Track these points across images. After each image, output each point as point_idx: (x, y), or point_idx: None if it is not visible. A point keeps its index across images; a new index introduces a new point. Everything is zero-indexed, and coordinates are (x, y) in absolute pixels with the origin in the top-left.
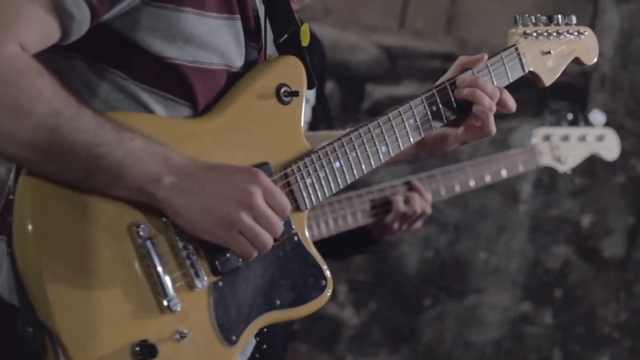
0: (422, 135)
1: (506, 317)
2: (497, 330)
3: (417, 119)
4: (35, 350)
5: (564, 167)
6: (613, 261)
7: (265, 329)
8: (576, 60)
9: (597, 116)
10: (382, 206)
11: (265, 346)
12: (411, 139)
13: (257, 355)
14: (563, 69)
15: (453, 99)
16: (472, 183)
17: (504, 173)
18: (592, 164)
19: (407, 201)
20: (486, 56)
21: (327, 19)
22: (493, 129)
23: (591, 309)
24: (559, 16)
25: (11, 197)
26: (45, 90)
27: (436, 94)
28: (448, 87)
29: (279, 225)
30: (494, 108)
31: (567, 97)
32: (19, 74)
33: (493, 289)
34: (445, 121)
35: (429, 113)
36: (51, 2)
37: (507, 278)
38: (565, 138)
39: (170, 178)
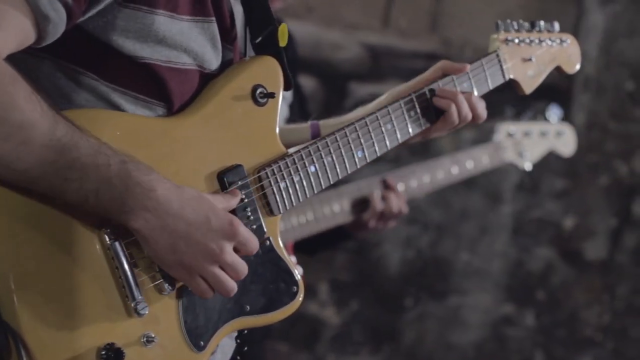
0: (400, 141)
1: (488, 318)
2: (479, 332)
3: (395, 124)
4: None
5: (525, 163)
6: (596, 263)
7: (245, 331)
8: (557, 69)
9: (555, 112)
10: (360, 204)
11: (246, 348)
12: (388, 145)
13: (238, 358)
14: (544, 77)
15: (432, 106)
16: (440, 176)
17: (469, 166)
18: (575, 165)
19: (384, 199)
20: (468, 66)
21: (309, 16)
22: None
23: (573, 311)
24: (542, 22)
25: None
26: (19, 98)
27: (415, 100)
28: (427, 93)
29: (244, 270)
30: (464, 122)
31: (550, 98)
32: None
33: (475, 290)
34: (423, 127)
35: (406, 118)
36: (27, 4)
37: (489, 279)
38: (527, 134)
39: (145, 214)
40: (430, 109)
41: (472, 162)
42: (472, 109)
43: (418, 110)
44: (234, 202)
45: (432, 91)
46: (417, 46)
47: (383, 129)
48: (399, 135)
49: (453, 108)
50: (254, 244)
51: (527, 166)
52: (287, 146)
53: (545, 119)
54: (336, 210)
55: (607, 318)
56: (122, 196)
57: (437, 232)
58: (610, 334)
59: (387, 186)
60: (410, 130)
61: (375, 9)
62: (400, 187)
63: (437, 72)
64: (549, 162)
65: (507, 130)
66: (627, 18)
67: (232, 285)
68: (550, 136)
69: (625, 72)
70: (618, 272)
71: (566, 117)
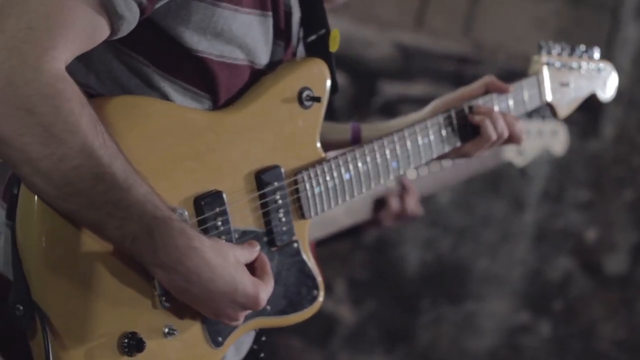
0: (434, 156)
1: (503, 326)
2: (493, 339)
3: (431, 139)
4: (21, 330)
5: (522, 162)
6: (615, 277)
7: (264, 338)
8: (593, 96)
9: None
10: (376, 203)
11: (264, 338)
12: (423, 159)
13: (255, 347)
14: (580, 103)
15: (469, 124)
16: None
17: (474, 166)
18: (601, 177)
19: (400, 200)
20: (512, 88)
21: (344, 11)
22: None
23: (590, 324)
24: (583, 47)
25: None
26: (83, 123)
27: (453, 116)
28: (466, 110)
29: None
30: (501, 139)
31: (580, 108)
32: (60, 95)
33: (492, 297)
34: (459, 144)
35: (443, 134)
36: (102, 5)
37: (507, 287)
38: (527, 133)
39: (173, 275)
40: (468, 127)
41: (477, 161)
42: (509, 127)
43: (455, 127)
44: (254, 254)
45: (471, 108)
46: (449, 48)
47: (420, 142)
48: (434, 150)
49: (487, 123)
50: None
51: (523, 164)
52: (325, 143)
53: (542, 117)
54: (356, 210)
55: (623, 333)
56: (157, 251)
57: (458, 236)
58: (626, 349)
59: (403, 187)
60: (445, 146)
61: (409, 8)
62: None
63: (481, 88)
64: (575, 172)
65: None
66: None
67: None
68: (546, 135)
69: None
70: (637, 287)
71: (595, 129)
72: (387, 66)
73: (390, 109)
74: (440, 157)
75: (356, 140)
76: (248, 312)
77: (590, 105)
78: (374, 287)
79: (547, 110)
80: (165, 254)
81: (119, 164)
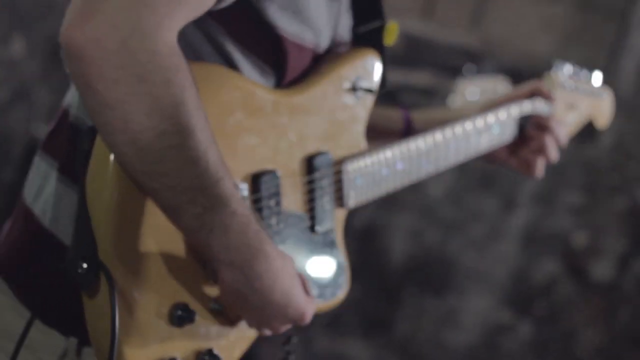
0: (480, 154)
1: (484, 323)
2: (473, 336)
3: (482, 137)
4: (80, 286)
5: None
6: (600, 284)
7: (295, 340)
8: (591, 122)
9: (490, 69)
10: None
11: (295, 340)
12: (456, 159)
13: (287, 348)
14: (579, 128)
15: (518, 129)
16: None
17: None
18: (595, 183)
19: None
20: (554, 100)
21: None
22: (539, 170)
23: (571, 329)
24: (591, 73)
25: (72, 120)
26: (191, 103)
27: (514, 117)
28: (520, 116)
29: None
30: (552, 153)
31: None
32: (173, 69)
33: (475, 294)
34: (503, 144)
35: (494, 134)
36: None
37: (491, 284)
38: (481, 93)
39: (237, 274)
40: (516, 131)
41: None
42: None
43: (511, 129)
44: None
45: (527, 117)
46: (456, 40)
47: (472, 139)
48: (480, 151)
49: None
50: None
51: None
52: (377, 130)
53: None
54: None
55: (604, 341)
56: (229, 249)
57: (446, 230)
58: (604, 357)
59: None
60: (490, 145)
61: None
62: None
63: (527, 92)
64: (569, 176)
65: (466, 90)
66: None
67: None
68: (498, 92)
69: None
70: (622, 297)
71: (593, 135)
72: (390, 53)
73: (392, 97)
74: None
75: (408, 131)
76: (290, 326)
77: None
78: (358, 275)
79: (491, 65)
80: (238, 254)
81: (214, 152)
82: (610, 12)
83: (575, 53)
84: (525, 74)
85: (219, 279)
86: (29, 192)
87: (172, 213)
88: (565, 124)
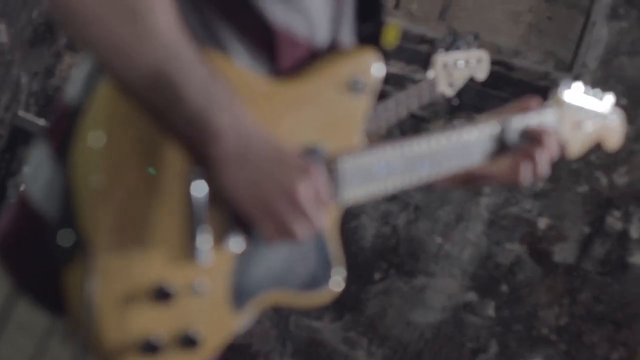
0: (462, 167)
1: (450, 303)
2: (439, 315)
3: (467, 149)
4: (59, 259)
5: (452, 92)
6: (562, 266)
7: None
8: (600, 143)
9: (470, 37)
10: None
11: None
12: (454, 167)
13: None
14: (587, 148)
15: (510, 144)
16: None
17: (413, 105)
18: (558, 169)
19: None
20: (532, 109)
21: None
22: (525, 177)
23: (533, 308)
24: (598, 90)
25: (68, 102)
26: (168, 13)
27: (507, 130)
28: (512, 130)
29: (315, 221)
30: (542, 162)
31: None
32: None
33: (442, 274)
34: (492, 159)
35: (484, 148)
36: None
37: (458, 266)
38: (457, 64)
39: (234, 138)
40: (507, 147)
41: (414, 94)
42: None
43: (503, 141)
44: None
45: (520, 131)
46: (425, 32)
47: (451, 150)
48: (472, 161)
49: (546, 137)
50: (325, 189)
51: (452, 94)
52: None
53: (467, 45)
54: None
55: (565, 320)
56: (217, 116)
57: (415, 212)
58: (565, 336)
59: None
60: (479, 159)
61: None
62: None
63: (518, 108)
64: None
65: (443, 62)
66: (632, 36)
67: (301, 234)
68: (472, 63)
69: (621, 88)
70: (582, 278)
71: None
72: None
73: None
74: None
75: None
76: (306, 186)
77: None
78: None
79: (471, 37)
80: (225, 109)
81: (190, 46)
82: (575, 5)
83: (541, 46)
84: (492, 65)
85: (216, 164)
86: (27, 178)
87: (158, 116)
88: (563, 139)
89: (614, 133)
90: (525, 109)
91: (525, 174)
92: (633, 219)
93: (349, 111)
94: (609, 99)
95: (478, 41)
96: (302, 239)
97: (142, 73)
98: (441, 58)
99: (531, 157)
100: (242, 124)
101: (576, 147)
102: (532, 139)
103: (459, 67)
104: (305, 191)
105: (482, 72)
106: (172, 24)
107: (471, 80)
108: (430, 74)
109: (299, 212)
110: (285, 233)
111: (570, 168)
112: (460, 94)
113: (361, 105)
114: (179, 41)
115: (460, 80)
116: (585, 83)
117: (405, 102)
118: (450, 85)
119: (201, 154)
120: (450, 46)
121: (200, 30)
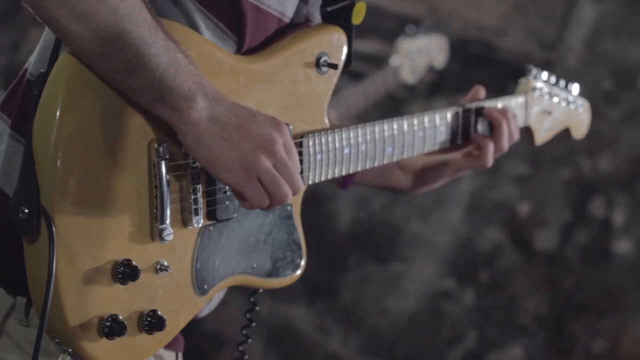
0: (425, 150)
1: (427, 290)
2: (416, 302)
3: (426, 133)
4: (21, 232)
5: (413, 79)
6: (543, 254)
7: (261, 290)
8: (566, 131)
9: (429, 26)
10: None
11: (257, 308)
12: (415, 151)
13: (247, 316)
14: (554, 135)
15: (473, 125)
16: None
17: (380, 91)
18: (540, 154)
19: None
20: (500, 104)
21: None
22: (490, 159)
23: (513, 297)
24: (563, 80)
25: (28, 76)
26: None
27: (460, 116)
28: (473, 112)
29: (298, 181)
30: (510, 141)
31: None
32: None
33: (419, 261)
34: (454, 143)
35: (444, 131)
36: None
37: (435, 252)
38: (420, 52)
39: (203, 101)
40: (469, 128)
41: (381, 82)
42: (516, 134)
43: (458, 127)
44: None
45: (479, 110)
46: (404, 9)
47: (415, 134)
48: (433, 143)
49: (504, 122)
50: (295, 150)
51: (413, 81)
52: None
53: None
54: None
55: (545, 309)
56: (186, 80)
57: (392, 197)
58: (545, 325)
59: None
60: (437, 143)
61: None
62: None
63: (473, 97)
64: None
65: (407, 49)
66: (617, 18)
67: (287, 190)
68: (432, 50)
69: (606, 70)
70: (563, 266)
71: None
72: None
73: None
74: (441, 153)
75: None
76: (279, 138)
77: None
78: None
79: (430, 25)
80: (194, 83)
81: (147, 11)
82: None
83: (524, 25)
84: (473, 45)
85: (192, 131)
86: None
87: (130, 78)
88: (530, 126)
89: (580, 122)
90: (475, 98)
91: (487, 156)
92: (616, 205)
93: (317, 88)
94: (576, 88)
95: (439, 28)
96: (285, 195)
97: (104, 34)
98: (404, 44)
99: (492, 140)
100: (208, 89)
101: (542, 134)
102: (493, 121)
103: (420, 53)
104: (280, 141)
105: (440, 59)
106: None
107: (450, 62)
108: (395, 60)
109: (282, 163)
110: (275, 189)
111: (552, 153)
112: (441, 74)
113: (328, 83)
114: (138, 2)
115: (421, 66)
116: (571, 65)
117: (373, 89)
118: (412, 71)
119: (175, 116)
120: (414, 31)
121: (168, 7)
